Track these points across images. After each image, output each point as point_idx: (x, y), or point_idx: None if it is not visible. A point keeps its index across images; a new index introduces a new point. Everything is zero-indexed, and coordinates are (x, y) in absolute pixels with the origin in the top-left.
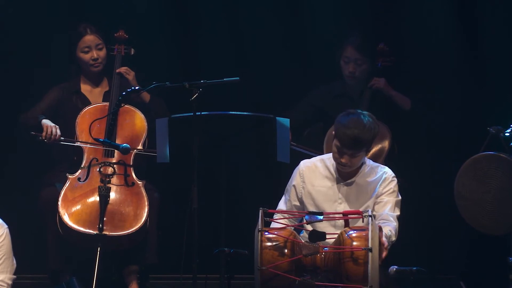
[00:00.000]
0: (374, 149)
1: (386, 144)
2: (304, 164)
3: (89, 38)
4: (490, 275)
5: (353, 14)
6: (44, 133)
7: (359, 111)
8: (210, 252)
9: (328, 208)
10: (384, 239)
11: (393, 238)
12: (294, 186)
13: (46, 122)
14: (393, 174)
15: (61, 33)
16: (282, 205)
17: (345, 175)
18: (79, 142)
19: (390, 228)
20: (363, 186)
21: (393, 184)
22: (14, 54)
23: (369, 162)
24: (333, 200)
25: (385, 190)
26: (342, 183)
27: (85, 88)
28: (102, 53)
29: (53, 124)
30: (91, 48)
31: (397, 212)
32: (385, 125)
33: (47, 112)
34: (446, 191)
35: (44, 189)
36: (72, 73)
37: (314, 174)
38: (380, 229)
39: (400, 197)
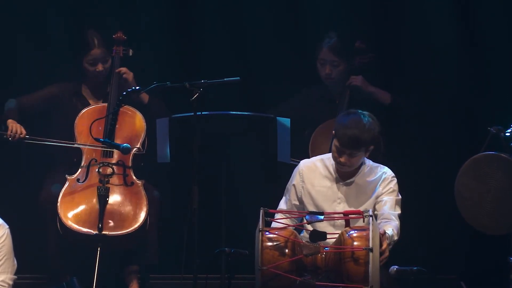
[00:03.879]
0: None
1: None
2: (304, 163)
3: (96, 52)
4: (491, 275)
5: (353, 13)
6: (8, 132)
7: (360, 111)
8: (210, 252)
9: (327, 208)
10: (386, 241)
11: (396, 238)
12: (294, 185)
13: (11, 121)
14: (393, 174)
15: (61, 33)
16: (282, 205)
17: (344, 175)
18: (52, 141)
19: (392, 227)
20: (363, 186)
21: (393, 184)
22: (14, 54)
23: (368, 162)
24: (332, 200)
25: (385, 189)
26: (341, 183)
27: (85, 92)
28: (107, 65)
29: (18, 125)
30: (97, 61)
31: (398, 211)
32: None
33: (41, 104)
34: (446, 191)
35: (44, 189)
36: (73, 74)
37: (313, 174)
38: (383, 234)
39: (400, 196)
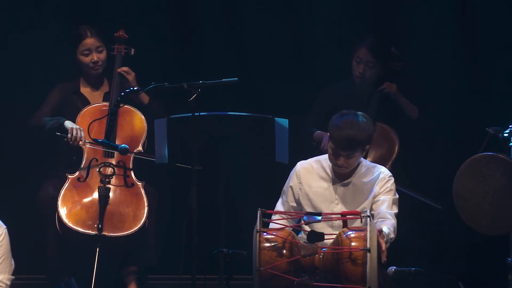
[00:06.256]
0: (382, 151)
1: (395, 149)
2: (301, 165)
3: (89, 41)
4: (489, 275)
5: (353, 15)
6: (69, 135)
7: (353, 111)
8: (209, 253)
9: (325, 209)
10: (383, 240)
11: (392, 236)
12: (291, 187)
13: (69, 124)
14: (390, 174)
15: (62, 33)
16: (279, 207)
17: (341, 175)
18: (90, 143)
19: (388, 226)
20: (360, 186)
21: (390, 183)
22: (14, 53)
23: (365, 162)
24: (329, 201)
25: (382, 189)
26: (338, 184)
27: (84, 90)
28: (102, 55)
29: (77, 126)
30: (91, 51)
31: (395, 210)
32: (395, 131)
33: (52, 114)
34: (445, 192)
35: (42, 189)
36: (72, 74)
37: (310, 175)
38: (380, 232)
39: (397, 196)
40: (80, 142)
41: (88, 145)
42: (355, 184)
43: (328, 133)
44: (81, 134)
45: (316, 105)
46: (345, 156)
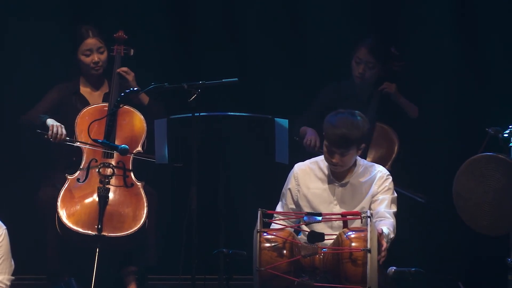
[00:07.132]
0: (382, 151)
1: (395, 149)
2: (298, 167)
3: (91, 42)
4: (489, 276)
5: (353, 15)
6: (50, 132)
7: (349, 110)
8: (209, 253)
9: (324, 210)
10: (384, 240)
11: (392, 235)
12: (289, 189)
13: (51, 121)
14: (388, 173)
15: (61, 33)
16: (279, 210)
17: (339, 175)
18: (84, 143)
19: (387, 225)
20: (358, 186)
21: (388, 182)
22: (14, 53)
23: (363, 162)
24: (328, 202)
25: (380, 188)
26: (336, 184)
27: (84, 90)
28: (103, 56)
29: (58, 124)
30: (93, 51)
31: (394, 209)
32: (394, 131)
33: (48, 113)
34: (445, 192)
35: (42, 189)
36: (71, 73)
37: (308, 177)
38: (380, 234)
39: (395, 194)
40: (61, 139)
41: (77, 143)
42: (353, 184)
43: (323, 132)
44: (61, 131)
45: (314, 104)
46: (339, 154)
